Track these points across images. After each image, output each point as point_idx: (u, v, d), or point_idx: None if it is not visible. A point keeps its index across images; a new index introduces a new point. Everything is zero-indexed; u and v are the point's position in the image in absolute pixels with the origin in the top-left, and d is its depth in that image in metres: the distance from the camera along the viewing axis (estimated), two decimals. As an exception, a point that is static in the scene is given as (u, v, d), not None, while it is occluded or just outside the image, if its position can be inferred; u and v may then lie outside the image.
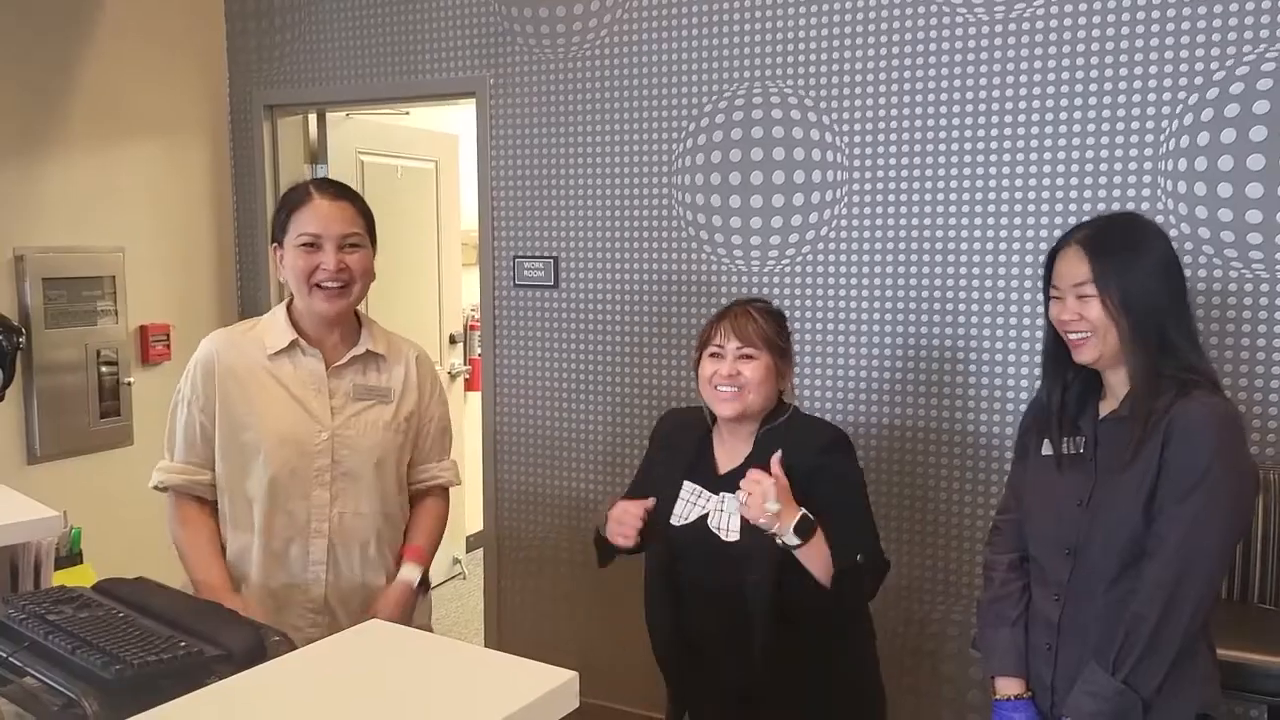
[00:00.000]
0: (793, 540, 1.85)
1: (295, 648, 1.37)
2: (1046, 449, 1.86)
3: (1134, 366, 1.72)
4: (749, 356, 1.98)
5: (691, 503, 2.03)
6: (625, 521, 1.99)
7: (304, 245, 1.95)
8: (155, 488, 2.05)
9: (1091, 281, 1.73)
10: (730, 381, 1.98)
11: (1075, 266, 1.76)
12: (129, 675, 1.29)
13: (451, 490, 2.27)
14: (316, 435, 1.97)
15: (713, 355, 2.02)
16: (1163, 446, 1.67)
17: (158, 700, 1.16)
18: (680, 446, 2.12)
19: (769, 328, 2.01)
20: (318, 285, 1.96)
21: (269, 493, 1.96)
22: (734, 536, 1.96)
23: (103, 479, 3.49)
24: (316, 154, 4.01)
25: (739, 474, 1.98)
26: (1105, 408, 1.82)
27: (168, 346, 3.68)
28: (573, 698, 1.14)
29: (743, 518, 1.92)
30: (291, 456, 1.96)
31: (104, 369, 3.52)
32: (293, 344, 2.00)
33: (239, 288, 4.00)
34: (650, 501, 2.01)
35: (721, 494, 2.00)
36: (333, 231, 1.96)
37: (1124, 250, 1.75)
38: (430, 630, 2.22)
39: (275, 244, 2.03)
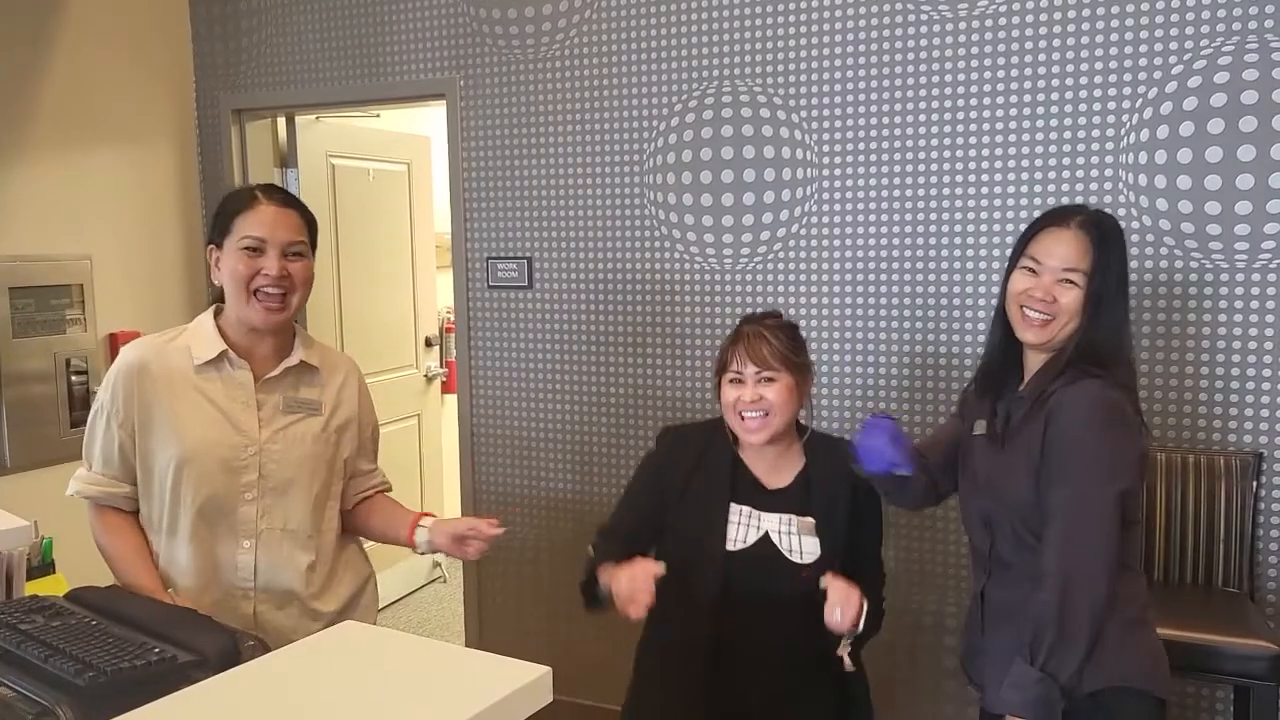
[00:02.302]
0: (848, 635, 1.83)
1: (269, 651, 1.38)
2: (979, 428, 1.89)
3: (1065, 352, 1.74)
4: (769, 379, 1.93)
5: (745, 524, 1.96)
6: (638, 595, 1.79)
7: (247, 249, 1.91)
8: (72, 496, 2.01)
9: (1085, 272, 1.72)
10: (754, 407, 1.93)
11: (1072, 249, 1.73)
12: (102, 682, 1.30)
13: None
14: (243, 450, 1.93)
15: (733, 381, 1.96)
16: (1045, 428, 1.70)
17: (132, 706, 1.16)
18: (711, 467, 2.03)
19: (784, 346, 1.96)
20: (257, 293, 1.92)
21: (195, 508, 1.92)
22: (809, 559, 1.92)
23: (75, 488, 3.46)
24: (286, 158, 4.00)
25: (795, 492, 1.98)
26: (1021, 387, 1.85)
27: (139, 354, 3.65)
28: (546, 692, 1.16)
29: (820, 535, 1.92)
30: (216, 471, 1.91)
31: (74, 378, 3.49)
32: (221, 355, 1.95)
33: (209, 293, 3.98)
34: (660, 567, 1.82)
35: (780, 514, 1.96)
36: (278, 238, 1.92)
37: (1115, 248, 1.76)
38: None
39: (213, 245, 1.98)
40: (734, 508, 1.97)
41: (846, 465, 1.94)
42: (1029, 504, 1.73)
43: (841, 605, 1.78)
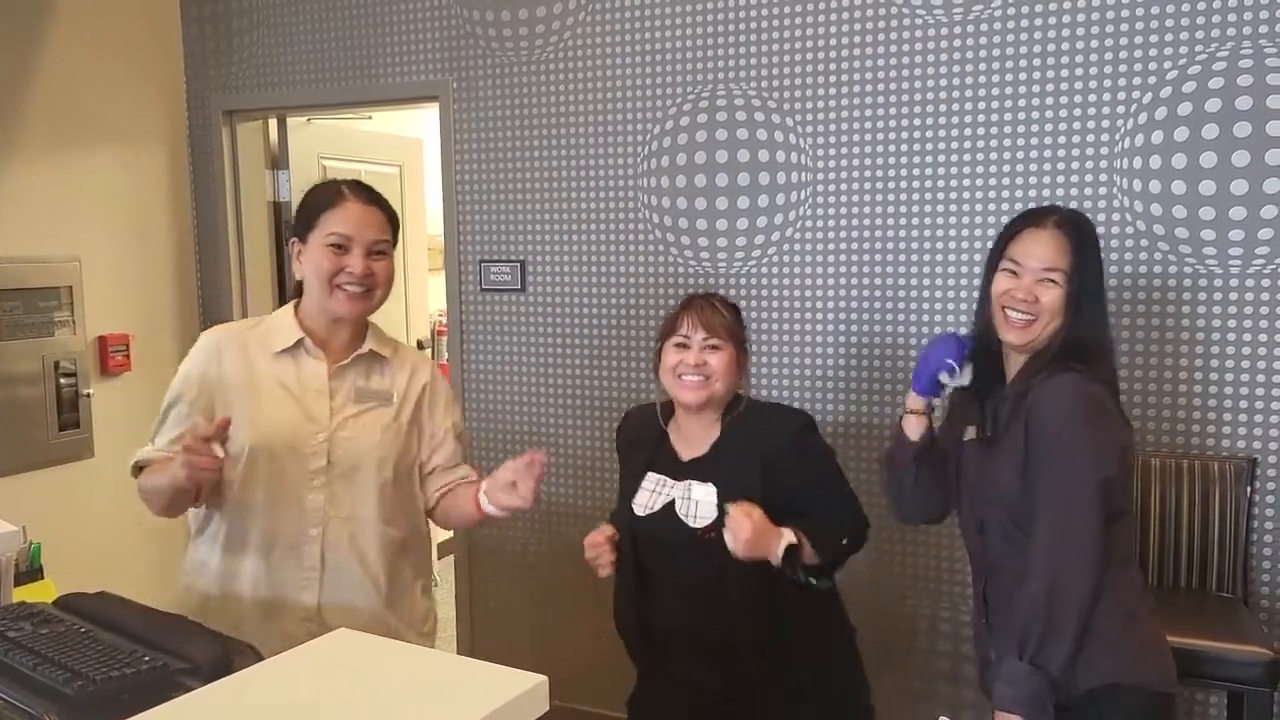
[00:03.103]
0: (780, 561, 1.88)
1: (262, 659, 1.36)
2: (970, 434, 1.89)
3: (1046, 351, 1.76)
4: (715, 347, 2.01)
5: (656, 492, 2.05)
6: (599, 558, 2.03)
7: (332, 245, 1.92)
8: (133, 465, 1.99)
9: (1064, 271, 1.74)
10: (697, 371, 2.00)
11: (1050, 249, 1.75)
12: (91, 691, 1.28)
13: None
14: (313, 436, 1.93)
15: (678, 345, 2.04)
16: (1026, 423, 1.71)
17: (122, 716, 1.15)
18: (643, 440, 2.15)
19: (732, 320, 2.06)
20: (339, 286, 1.93)
21: (264, 493, 1.92)
22: (703, 523, 1.97)
23: (63, 492, 3.44)
24: (277, 160, 3.98)
25: (706, 461, 2.03)
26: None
27: (127, 357, 3.63)
28: (542, 702, 1.15)
29: (719, 507, 1.95)
30: (287, 457, 1.92)
31: (63, 380, 3.47)
32: (297, 344, 1.97)
33: (200, 296, 3.96)
34: (611, 530, 2.05)
35: (686, 481, 2.03)
36: (364, 236, 1.93)
37: (1091, 247, 1.78)
38: (429, 638, 2.14)
39: (295, 239, 1.99)
40: (650, 476, 2.08)
41: (759, 432, 2.01)
42: (1015, 499, 1.74)
43: (734, 529, 1.84)
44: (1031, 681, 1.64)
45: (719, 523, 1.93)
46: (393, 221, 2.02)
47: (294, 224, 2.01)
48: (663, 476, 2.07)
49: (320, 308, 1.97)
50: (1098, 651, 1.67)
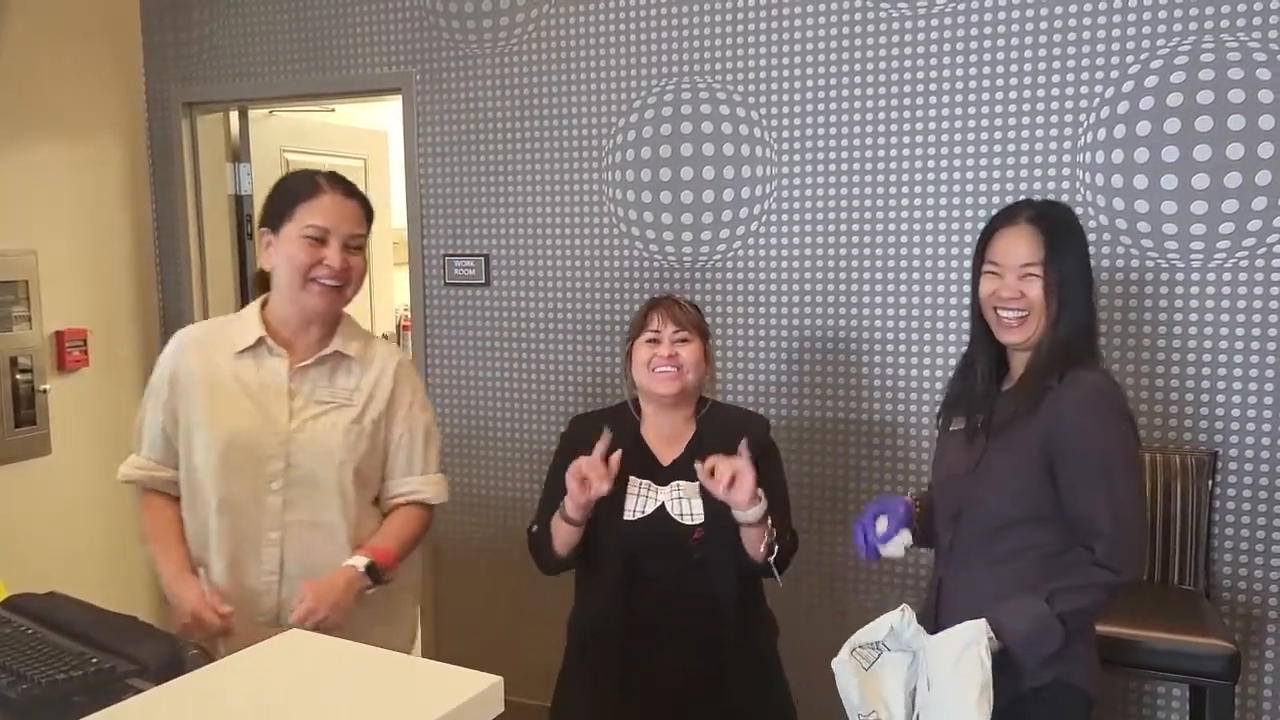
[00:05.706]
0: (750, 517, 1.91)
1: (212, 660, 1.33)
2: (957, 424, 1.92)
3: (1043, 345, 1.78)
4: (685, 340, 2.07)
5: (644, 496, 2.06)
6: (590, 475, 1.91)
7: (309, 238, 1.88)
8: (121, 480, 2.01)
9: (1041, 263, 1.76)
10: (669, 362, 2.05)
11: (1025, 246, 1.78)
12: (36, 694, 1.25)
13: None
14: (270, 438, 1.89)
15: (650, 341, 2.08)
16: (1052, 424, 1.73)
17: (68, 719, 1.12)
18: (612, 443, 2.11)
19: (696, 315, 2.14)
20: (314, 280, 1.88)
21: (221, 496, 1.88)
22: (696, 520, 2.00)
23: (18, 490, 3.37)
24: (239, 152, 3.92)
25: (684, 461, 2.06)
26: (1006, 386, 1.89)
27: (85, 352, 3.56)
28: (497, 703, 1.13)
29: (704, 498, 1.98)
30: (242, 460, 1.88)
31: (19, 376, 3.39)
32: (259, 342, 1.92)
33: (160, 290, 3.90)
34: (606, 439, 1.93)
35: (673, 483, 2.05)
36: (341, 229, 1.90)
37: (1068, 235, 1.80)
38: (409, 652, 2.07)
39: (266, 229, 1.93)
40: (632, 480, 2.06)
41: (734, 432, 2.00)
42: (1016, 493, 1.76)
43: (724, 469, 1.87)
44: (1048, 623, 1.66)
45: (707, 524, 1.98)
46: (368, 215, 2.00)
47: (264, 213, 1.95)
48: (646, 481, 2.07)
49: (291, 302, 1.92)
50: (1061, 650, 1.70)
